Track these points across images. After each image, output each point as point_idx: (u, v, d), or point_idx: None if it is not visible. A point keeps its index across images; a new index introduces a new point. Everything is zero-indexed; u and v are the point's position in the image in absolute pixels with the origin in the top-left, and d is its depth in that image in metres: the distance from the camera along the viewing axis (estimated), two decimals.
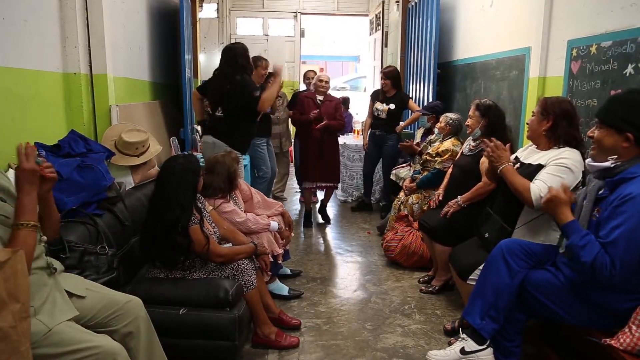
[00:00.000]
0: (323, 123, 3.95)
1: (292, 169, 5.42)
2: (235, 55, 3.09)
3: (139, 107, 3.50)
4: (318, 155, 4.03)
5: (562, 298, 1.75)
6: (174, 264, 2.03)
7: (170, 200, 1.97)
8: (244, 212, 2.64)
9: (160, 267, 2.06)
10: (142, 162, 2.47)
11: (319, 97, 4.07)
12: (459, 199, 2.72)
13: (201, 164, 2.36)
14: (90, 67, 2.81)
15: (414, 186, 3.45)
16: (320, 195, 4.69)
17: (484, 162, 2.43)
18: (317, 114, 3.95)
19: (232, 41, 6.16)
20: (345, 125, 4.35)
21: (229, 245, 2.29)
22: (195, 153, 3.54)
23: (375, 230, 4.14)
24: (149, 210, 2.04)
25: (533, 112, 2.11)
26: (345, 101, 6.46)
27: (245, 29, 7.82)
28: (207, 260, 2.09)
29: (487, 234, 2.20)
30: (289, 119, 4.56)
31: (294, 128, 4.31)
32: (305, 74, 4.98)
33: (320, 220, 4.38)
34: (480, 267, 2.06)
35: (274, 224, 2.67)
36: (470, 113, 2.77)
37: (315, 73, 4.64)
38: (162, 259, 2.03)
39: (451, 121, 3.36)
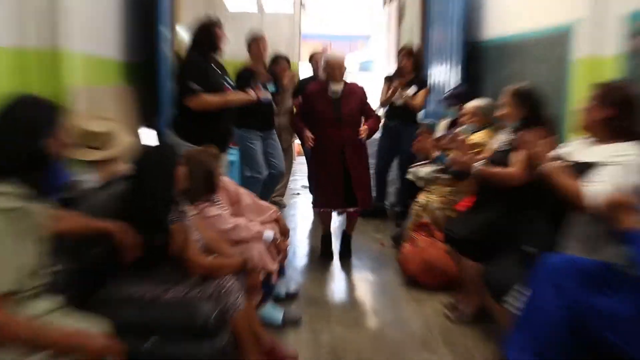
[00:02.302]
0: (364, 128, 3.43)
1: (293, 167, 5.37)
2: (197, 29, 3.21)
3: (106, 92, 3.44)
4: (341, 171, 3.48)
5: (633, 333, 1.69)
6: (149, 266, 2.04)
7: (149, 195, 2.01)
8: (232, 217, 2.63)
9: (132, 275, 2.05)
10: (113, 156, 2.43)
11: (334, 87, 3.47)
12: (476, 166, 2.70)
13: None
14: (43, 40, 2.75)
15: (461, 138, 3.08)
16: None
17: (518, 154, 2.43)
18: (312, 142, 3.45)
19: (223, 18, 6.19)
20: (380, 120, 3.91)
21: (215, 256, 2.27)
22: (233, 147, 3.75)
23: (390, 242, 4.12)
24: (122, 210, 2.05)
25: (588, 98, 2.10)
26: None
27: (237, 2, 7.79)
28: (187, 272, 2.08)
29: (530, 248, 2.18)
30: (293, 109, 4.52)
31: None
32: (311, 57, 4.87)
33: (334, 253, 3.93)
34: (522, 289, 2.02)
35: (268, 234, 2.64)
36: (505, 100, 2.74)
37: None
38: (136, 263, 2.02)
39: (483, 109, 3.31)
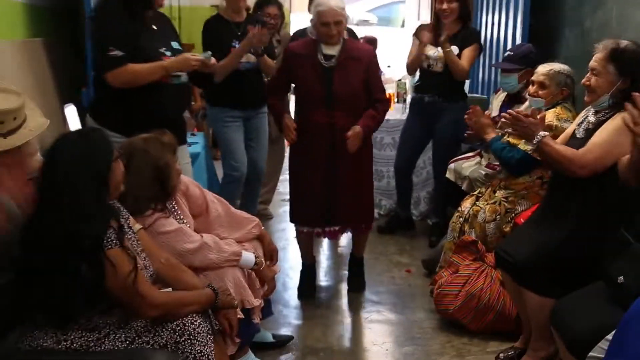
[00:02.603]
0: (355, 132, 3.33)
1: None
2: None
3: (5, 49, 3.45)
4: (328, 174, 3.46)
5: None
6: (69, 318, 2.02)
7: (63, 206, 1.98)
8: (197, 232, 2.64)
9: (45, 325, 2.04)
10: (14, 147, 2.42)
11: (326, 51, 3.41)
12: (542, 135, 2.72)
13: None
14: None
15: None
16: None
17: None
18: (292, 139, 3.47)
19: None
20: (389, 107, 3.79)
21: (169, 290, 2.27)
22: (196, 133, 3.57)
23: (420, 268, 4.14)
24: (25, 227, 2.03)
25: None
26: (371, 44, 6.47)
27: None
28: (132, 314, 2.08)
29: (622, 277, 2.18)
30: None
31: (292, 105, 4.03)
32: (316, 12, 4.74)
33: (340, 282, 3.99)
34: (610, 337, 2.03)
35: (248, 257, 2.66)
36: (593, 65, 2.72)
37: None
38: (48, 310, 2.00)
39: (560, 77, 3.33)
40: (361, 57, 3.44)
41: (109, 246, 2.01)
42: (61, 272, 1.97)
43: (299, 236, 3.76)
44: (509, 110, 2.76)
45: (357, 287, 3.84)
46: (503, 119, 2.84)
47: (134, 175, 2.44)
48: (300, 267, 3.88)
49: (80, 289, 1.97)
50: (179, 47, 3.32)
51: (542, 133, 2.71)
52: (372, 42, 6.56)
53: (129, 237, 2.22)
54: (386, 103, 3.62)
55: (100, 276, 1.98)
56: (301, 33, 4.51)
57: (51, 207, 2.00)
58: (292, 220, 3.72)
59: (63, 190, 2.00)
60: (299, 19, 6.60)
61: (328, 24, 3.31)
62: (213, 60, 3.29)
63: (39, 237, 1.99)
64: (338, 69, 3.38)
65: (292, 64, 3.48)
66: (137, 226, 2.35)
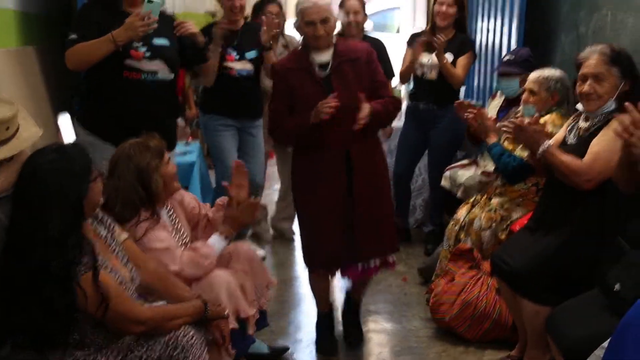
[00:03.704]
0: (363, 115, 2.90)
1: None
2: None
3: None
4: (345, 199, 3.04)
5: None
6: (48, 341, 2.00)
7: (34, 230, 1.96)
8: (184, 244, 2.65)
9: (29, 347, 2.02)
10: (7, 157, 2.41)
11: (319, 59, 3.03)
12: (547, 145, 2.70)
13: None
14: None
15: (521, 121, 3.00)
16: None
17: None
18: (334, 105, 2.84)
19: None
20: (399, 103, 3.33)
21: (162, 303, 2.27)
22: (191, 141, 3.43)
23: (416, 276, 4.14)
24: (5, 247, 2.01)
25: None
26: None
27: None
28: (120, 331, 2.08)
29: (618, 285, 2.18)
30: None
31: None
32: (342, 2, 4.45)
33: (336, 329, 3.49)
34: (606, 344, 2.02)
35: (218, 246, 2.63)
36: (595, 71, 2.67)
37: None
38: (28, 332, 1.99)
39: (549, 83, 3.33)
40: (358, 57, 3.06)
41: (80, 272, 1.98)
42: (36, 296, 1.95)
43: (315, 281, 3.27)
44: (510, 119, 2.73)
45: (357, 339, 3.37)
46: (504, 128, 2.81)
47: (119, 181, 2.47)
48: (297, 279, 3.84)
49: (55, 313, 1.96)
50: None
51: (547, 142, 2.70)
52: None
53: (115, 249, 2.22)
54: (396, 100, 3.22)
55: (72, 303, 1.96)
56: (280, 61, 4.50)
57: (23, 226, 1.98)
58: (308, 265, 3.19)
59: (33, 211, 1.98)
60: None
61: (313, 23, 2.94)
62: (164, 7, 3.09)
63: (13, 258, 1.97)
64: (335, 77, 3.00)
65: (288, 83, 3.04)
66: (123, 236, 2.34)
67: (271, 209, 5.01)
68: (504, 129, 2.88)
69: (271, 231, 4.89)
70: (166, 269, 2.43)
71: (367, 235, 3.05)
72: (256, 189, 4.19)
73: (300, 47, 3.17)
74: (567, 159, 2.63)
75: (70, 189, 2.01)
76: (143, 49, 3.09)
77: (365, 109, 2.90)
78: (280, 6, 4.55)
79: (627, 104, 2.13)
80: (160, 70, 3.14)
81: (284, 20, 4.60)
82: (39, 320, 1.96)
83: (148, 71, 3.11)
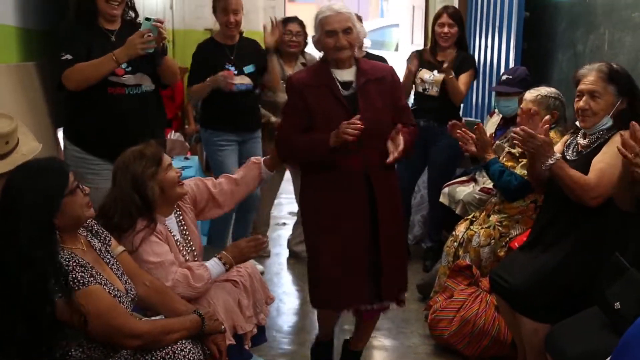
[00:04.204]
0: (399, 151, 2.72)
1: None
2: None
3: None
4: (367, 231, 2.79)
5: None
6: (34, 355, 1.98)
7: (6, 245, 1.96)
8: (191, 254, 2.66)
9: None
10: (6, 171, 2.41)
11: (342, 76, 2.81)
12: (555, 159, 2.66)
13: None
14: None
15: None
16: None
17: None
18: (358, 128, 2.62)
19: None
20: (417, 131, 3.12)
21: (159, 318, 2.26)
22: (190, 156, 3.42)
23: (415, 292, 4.11)
24: None
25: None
26: None
27: None
28: (116, 346, 2.07)
29: (617, 303, 2.18)
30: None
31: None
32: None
33: None
34: None
35: (214, 271, 2.59)
36: (591, 88, 2.68)
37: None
38: (17, 344, 1.97)
39: (548, 101, 3.34)
40: (383, 76, 2.86)
41: (55, 296, 1.97)
42: (19, 309, 1.95)
43: (323, 316, 3.05)
44: (522, 127, 2.70)
45: None
46: (514, 134, 2.77)
47: (118, 190, 2.50)
48: (295, 296, 3.81)
49: (37, 327, 1.95)
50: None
51: (557, 155, 2.68)
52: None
53: (108, 261, 2.21)
54: (417, 128, 3.02)
55: (52, 317, 1.96)
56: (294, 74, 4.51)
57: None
58: (320, 306, 2.95)
59: (3, 228, 1.98)
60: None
61: (335, 33, 2.71)
62: (161, 25, 3.06)
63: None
64: (361, 97, 2.77)
65: (305, 100, 2.77)
66: (119, 249, 2.34)
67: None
68: (513, 134, 2.82)
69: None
70: (162, 284, 2.42)
71: (392, 273, 2.82)
72: (252, 200, 4.21)
73: (319, 62, 2.94)
74: (575, 174, 2.62)
75: (37, 204, 2.00)
76: (123, 65, 3.12)
77: (401, 144, 2.72)
78: (301, 24, 4.55)
79: (632, 123, 2.15)
80: (144, 82, 3.20)
81: (305, 39, 4.58)
82: (23, 334, 1.95)
83: (132, 85, 3.16)
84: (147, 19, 3.00)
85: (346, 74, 2.80)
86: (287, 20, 4.55)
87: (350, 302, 2.84)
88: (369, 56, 4.31)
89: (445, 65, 4.19)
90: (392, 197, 2.87)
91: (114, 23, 3.21)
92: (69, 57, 3.03)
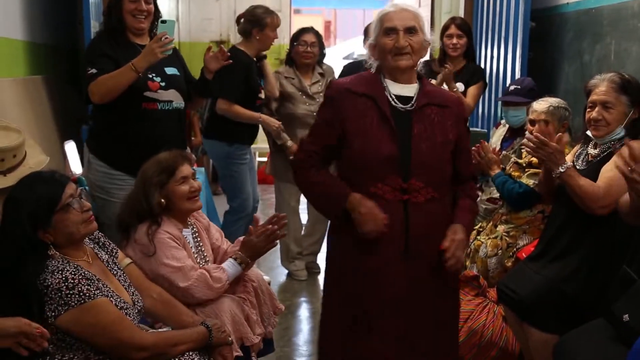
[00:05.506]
0: (457, 239, 2.26)
1: None
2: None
3: (6, 87, 3.47)
4: (401, 290, 2.28)
5: None
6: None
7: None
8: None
9: None
10: (13, 184, 2.42)
11: (397, 90, 2.32)
12: (565, 167, 2.65)
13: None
14: None
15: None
16: None
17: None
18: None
19: None
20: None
21: (166, 329, 2.27)
22: (197, 168, 3.45)
23: None
24: None
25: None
26: None
27: None
28: (122, 358, 2.07)
29: (627, 316, 2.17)
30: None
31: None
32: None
33: None
34: None
35: (232, 271, 2.60)
36: (604, 98, 2.69)
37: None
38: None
39: (560, 112, 3.33)
40: (448, 105, 2.36)
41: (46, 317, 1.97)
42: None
43: None
44: (535, 133, 2.70)
45: None
46: (526, 140, 2.77)
47: (133, 188, 2.63)
48: (303, 307, 3.80)
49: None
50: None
51: (568, 163, 2.69)
52: None
53: (115, 273, 2.22)
54: (475, 185, 2.64)
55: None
56: (354, 66, 4.43)
57: None
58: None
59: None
60: None
61: (394, 30, 2.24)
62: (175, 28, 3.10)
63: None
64: (417, 118, 2.28)
65: (340, 110, 2.29)
66: (126, 261, 2.36)
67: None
68: (526, 140, 2.83)
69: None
70: (169, 296, 2.42)
71: (427, 341, 2.35)
72: (256, 205, 4.45)
73: (371, 70, 2.41)
74: (585, 182, 2.61)
75: (23, 220, 1.99)
76: (158, 79, 3.15)
77: (457, 235, 2.27)
78: (317, 35, 4.54)
79: (625, 139, 2.15)
80: (175, 99, 3.22)
81: (322, 49, 4.58)
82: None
83: (164, 100, 3.18)
84: (163, 21, 3.02)
85: (404, 89, 2.32)
86: (303, 31, 4.51)
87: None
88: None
89: (447, 69, 4.08)
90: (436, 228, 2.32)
91: (143, 37, 3.23)
92: (94, 71, 3.05)
